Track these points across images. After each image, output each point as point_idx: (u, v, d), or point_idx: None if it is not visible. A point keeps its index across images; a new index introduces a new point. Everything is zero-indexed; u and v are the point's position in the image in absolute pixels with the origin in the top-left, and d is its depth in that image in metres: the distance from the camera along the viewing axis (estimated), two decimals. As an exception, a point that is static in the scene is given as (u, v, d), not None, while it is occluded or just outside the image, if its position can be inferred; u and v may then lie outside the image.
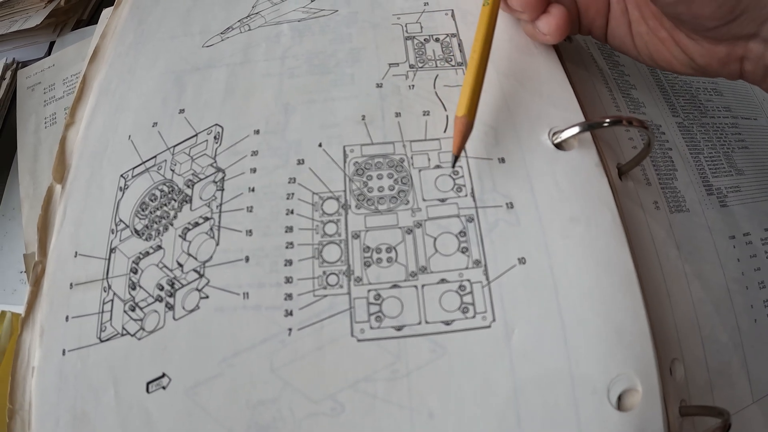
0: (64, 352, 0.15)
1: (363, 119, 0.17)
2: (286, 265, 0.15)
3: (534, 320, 0.14)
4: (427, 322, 0.14)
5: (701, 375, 0.15)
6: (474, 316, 0.14)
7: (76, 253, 0.17)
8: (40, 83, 0.25)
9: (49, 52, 0.28)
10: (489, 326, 0.14)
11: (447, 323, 0.14)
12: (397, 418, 0.13)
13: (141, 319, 0.15)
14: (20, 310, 0.20)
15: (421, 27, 0.19)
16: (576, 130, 0.16)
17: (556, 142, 0.16)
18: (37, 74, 0.26)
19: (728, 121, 0.23)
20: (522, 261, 0.14)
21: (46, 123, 0.24)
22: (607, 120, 0.16)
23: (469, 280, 0.14)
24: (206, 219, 0.16)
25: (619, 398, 0.13)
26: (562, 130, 0.16)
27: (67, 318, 0.16)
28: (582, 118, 0.17)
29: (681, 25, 0.16)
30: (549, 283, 0.14)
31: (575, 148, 0.16)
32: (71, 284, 0.16)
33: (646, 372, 0.13)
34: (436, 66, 0.18)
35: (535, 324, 0.14)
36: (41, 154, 0.23)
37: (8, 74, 0.26)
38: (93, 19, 0.30)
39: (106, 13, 0.24)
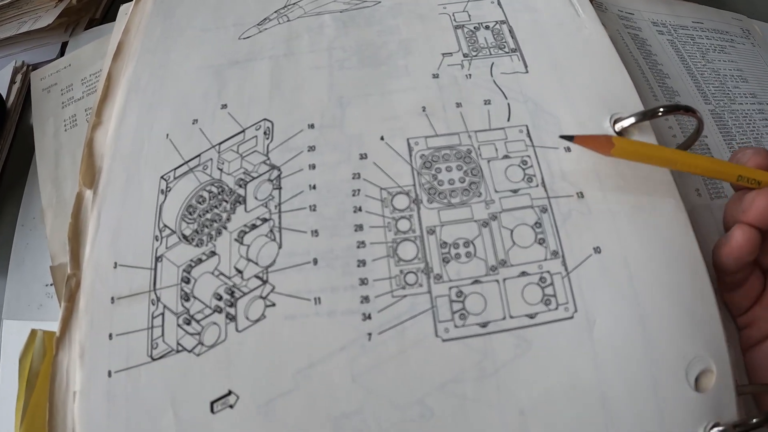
0: (110, 374, 0.14)
1: (424, 110, 0.16)
2: (359, 266, 0.14)
3: (613, 308, 0.13)
4: (511, 317, 0.13)
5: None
6: (557, 308, 0.13)
7: (115, 263, 0.15)
8: (56, 84, 0.24)
9: (61, 54, 0.26)
10: (572, 317, 0.13)
11: (531, 316, 0.13)
12: (488, 418, 0.13)
13: (198, 333, 0.14)
14: (49, 326, 0.19)
15: (469, 15, 0.19)
16: (634, 119, 0.15)
17: (618, 130, 0.16)
18: (52, 75, 0.24)
19: (755, 108, 0.23)
20: (597, 250, 0.14)
21: (65, 126, 0.23)
22: (661, 109, 0.15)
23: (548, 272, 0.14)
24: (265, 220, 0.15)
25: (695, 380, 0.13)
26: (624, 118, 0.16)
27: (110, 336, 0.14)
28: (641, 107, 0.16)
29: None
30: (624, 271, 0.14)
31: (635, 135, 0.16)
32: (113, 298, 0.15)
33: (719, 353, 0.13)
34: (491, 54, 0.18)
35: (615, 312, 0.13)
36: (63, 159, 0.22)
37: (19, 77, 0.24)
38: (106, 18, 0.28)
39: (125, 8, 0.22)
